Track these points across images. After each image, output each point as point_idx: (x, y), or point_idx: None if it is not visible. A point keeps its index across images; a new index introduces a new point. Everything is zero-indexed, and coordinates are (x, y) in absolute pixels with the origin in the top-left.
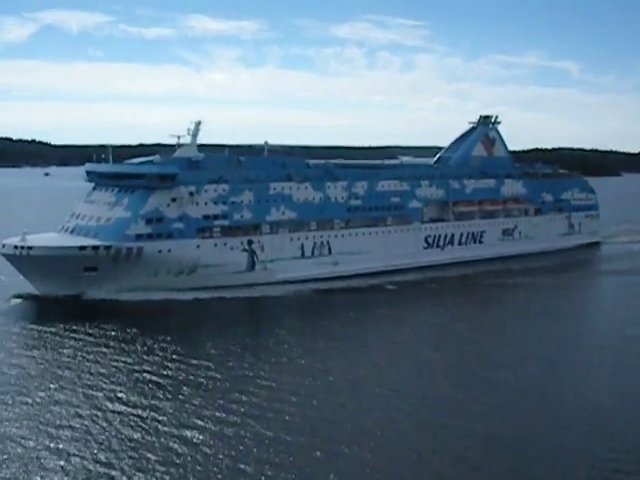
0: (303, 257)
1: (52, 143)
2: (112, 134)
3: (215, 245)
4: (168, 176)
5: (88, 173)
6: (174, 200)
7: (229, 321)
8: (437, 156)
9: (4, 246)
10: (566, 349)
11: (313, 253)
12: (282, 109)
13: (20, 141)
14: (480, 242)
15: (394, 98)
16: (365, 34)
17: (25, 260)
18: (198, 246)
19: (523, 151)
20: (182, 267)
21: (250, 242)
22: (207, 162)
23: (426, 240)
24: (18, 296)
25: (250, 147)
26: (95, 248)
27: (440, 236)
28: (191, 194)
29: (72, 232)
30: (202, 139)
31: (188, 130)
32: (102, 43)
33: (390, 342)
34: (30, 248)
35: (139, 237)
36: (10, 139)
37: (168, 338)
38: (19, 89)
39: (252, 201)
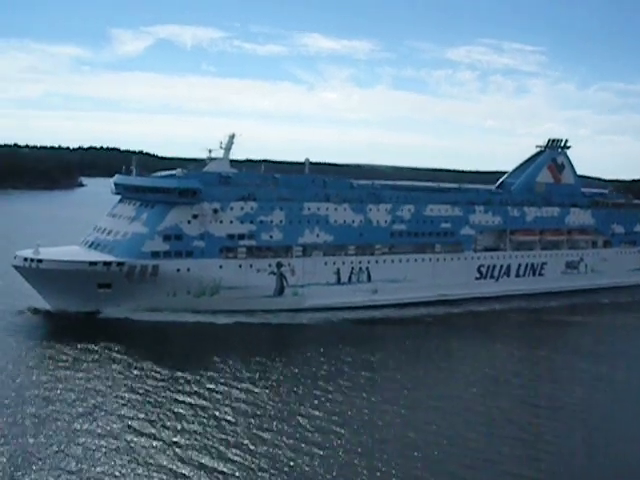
0: (339, 283)
1: (159, 155)
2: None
3: (240, 266)
4: (188, 191)
5: (115, 185)
6: (196, 217)
7: (246, 349)
8: (499, 181)
9: (15, 257)
10: None
11: (350, 279)
12: (391, 129)
13: (127, 152)
14: (540, 274)
15: (504, 123)
16: (479, 58)
17: (35, 273)
18: (221, 266)
19: (634, 180)
20: (203, 288)
21: (279, 265)
22: (238, 178)
23: (479, 270)
24: (30, 310)
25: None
26: (107, 264)
27: (495, 266)
28: (215, 211)
29: (90, 246)
30: (312, 157)
31: (220, 143)
32: (215, 58)
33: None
34: (40, 261)
35: (155, 254)
36: (118, 149)
37: (175, 367)
38: (132, 101)
39: (283, 221)
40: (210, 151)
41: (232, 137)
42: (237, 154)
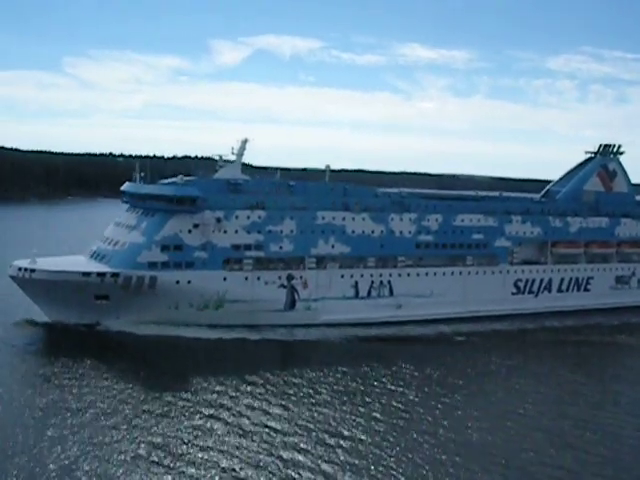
0: (357, 297)
1: (253, 164)
2: (315, 158)
3: (246, 278)
4: (186, 199)
5: (122, 193)
6: (197, 226)
7: (249, 367)
8: (545, 189)
9: (11, 267)
10: None
11: (370, 293)
12: (488, 139)
13: (225, 161)
14: (586, 290)
15: (603, 132)
16: (578, 66)
17: (28, 283)
18: (225, 279)
19: None
20: (206, 301)
21: (290, 277)
22: (247, 186)
23: (516, 284)
24: (28, 322)
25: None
26: (100, 275)
27: (534, 281)
28: (218, 220)
29: (92, 256)
30: (408, 167)
31: (232, 149)
32: (313, 68)
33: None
34: (32, 271)
35: (152, 265)
36: (213, 159)
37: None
38: (231, 110)
39: (294, 231)
40: (220, 157)
41: (245, 142)
42: (334, 164)
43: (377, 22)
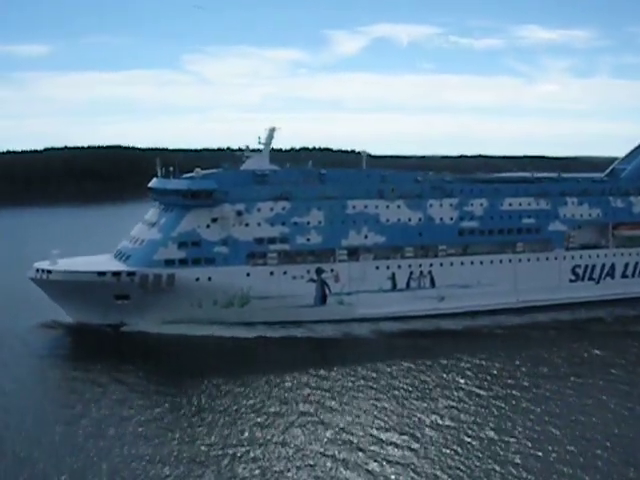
0: (394, 290)
1: (371, 153)
2: (432, 145)
3: (271, 273)
4: (202, 192)
5: (149, 189)
6: (215, 220)
7: (290, 365)
8: (610, 167)
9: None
10: None
11: (409, 285)
12: (611, 120)
13: (340, 151)
14: None
15: None
16: None
17: (47, 285)
18: (248, 274)
19: None
20: (230, 298)
21: (319, 270)
22: (275, 176)
23: (573, 271)
24: (53, 324)
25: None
26: (116, 274)
27: (595, 266)
28: (239, 213)
29: (116, 255)
30: (529, 151)
31: (259, 138)
32: (432, 55)
33: None
34: (49, 272)
35: (169, 263)
36: (330, 149)
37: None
38: (350, 100)
39: (322, 222)
40: (247, 147)
41: (272, 131)
42: (451, 150)
43: (493, 5)
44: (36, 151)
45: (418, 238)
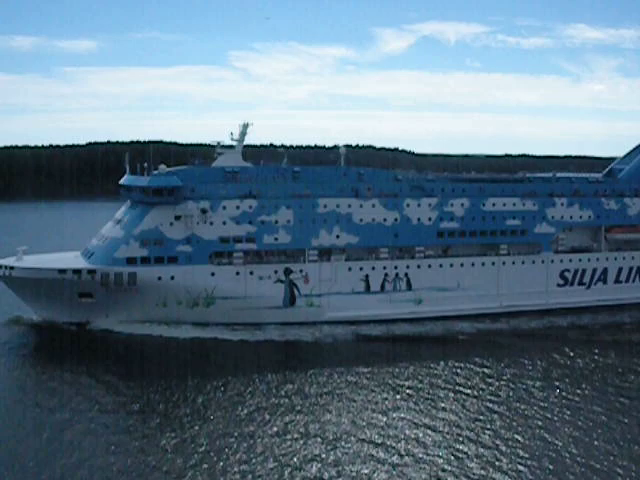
0: (368, 292)
1: (415, 151)
2: (477, 144)
3: (237, 273)
4: (163, 189)
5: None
6: (178, 218)
7: (250, 368)
8: (608, 168)
9: None
10: None
11: (383, 287)
12: None
13: (383, 149)
14: None
15: None
16: None
17: (10, 281)
18: (213, 274)
19: None
20: (195, 298)
21: (288, 271)
22: (247, 173)
23: (562, 275)
24: (18, 321)
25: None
26: (77, 272)
27: (585, 270)
28: (204, 211)
29: (84, 252)
30: (576, 151)
31: (231, 134)
32: (479, 53)
33: None
34: (12, 269)
35: (131, 261)
36: (373, 147)
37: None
38: (396, 98)
39: (292, 221)
40: (218, 143)
41: (246, 126)
42: (494, 149)
43: (541, 4)
44: (79, 145)
45: (394, 239)
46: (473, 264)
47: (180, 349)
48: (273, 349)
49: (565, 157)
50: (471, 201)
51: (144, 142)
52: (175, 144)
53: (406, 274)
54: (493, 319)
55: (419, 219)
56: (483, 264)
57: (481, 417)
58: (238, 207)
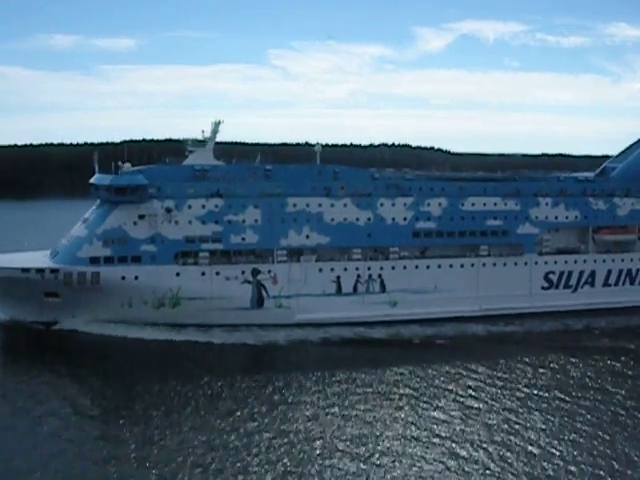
0: (340, 294)
1: (451, 151)
2: (514, 143)
3: (202, 274)
4: (126, 188)
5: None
6: (142, 217)
7: (216, 372)
8: (601, 167)
9: None
10: None
11: (356, 289)
12: None
13: (418, 148)
14: None
15: None
16: None
17: None
18: (178, 274)
19: None
20: (160, 299)
21: (256, 272)
22: (217, 172)
23: (547, 278)
24: None
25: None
26: (40, 271)
27: (571, 273)
28: (168, 210)
29: (51, 252)
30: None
31: (202, 132)
32: (518, 52)
33: None
34: None
35: (94, 260)
36: (409, 146)
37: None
38: (435, 97)
39: (259, 220)
40: (187, 140)
41: (217, 124)
42: (531, 149)
43: (581, 2)
44: (113, 143)
45: (367, 239)
46: (451, 265)
47: (143, 351)
48: (240, 352)
49: (603, 157)
50: (449, 200)
51: (178, 140)
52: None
53: (380, 275)
54: (474, 322)
55: (394, 219)
56: (462, 266)
57: (450, 425)
58: (204, 206)
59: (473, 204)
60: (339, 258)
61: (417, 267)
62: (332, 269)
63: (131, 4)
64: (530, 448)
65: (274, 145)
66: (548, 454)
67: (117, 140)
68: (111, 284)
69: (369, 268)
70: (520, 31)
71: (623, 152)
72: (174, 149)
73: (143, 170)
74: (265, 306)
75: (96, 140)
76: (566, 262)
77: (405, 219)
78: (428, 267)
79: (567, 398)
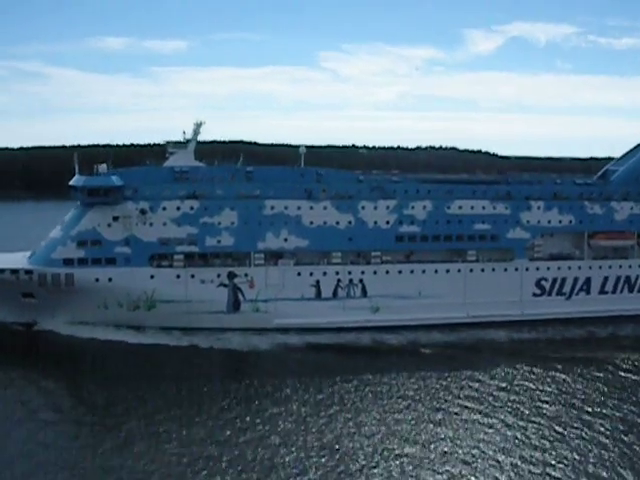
0: (319, 298)
1: (498, 154)
2: (563, 147)
3: (177, 276)
4: (99, 189)
5: None
6: (117, 219)
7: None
8: (602, 170)
9: None
10: None
11: (336, 294)
12: None
13: (466, 151)
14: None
15: None
16: None
17: None
18: (152, 276)
19: None
20: (135, 301)
21: (232, 275)
22: (197, 173)
23: (539, 284)
24: None
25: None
26: (14, 272)
27: (565, 279)
28: (143, 212)
29: (31, 253)
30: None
31: (184, 133)
32: (569, 55)
33: None
34: None
35: (68, 262)
36: (456, 149)
37: None
38: (485, 100)
39: (236, 223)
40: (169, 142)
41: (199, 126)
42: (586, 152)
43: (633, 4)
44: (158, 145)
45: (347, 243)
46: (436, 271)
47: (115, 353)
48: (215, 357)
49: None
50: (434, 203)
51: (224, 142)
52: (255, 144)
53: (361, 280)
54: (460, 330)
55: (376, 222)
56: (448, 271)
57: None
58: (179, 208)
59: (460, 207)
60: (318, 262)
61: (400, 272)
62: (311, 273)
63: (182, 6)
64: None
65: (320, 147)
66: None
67: (161, 142)
68: (85, 286)
69: (350, 272)
70: (572, 33)
71: (625, 155)
72: (218, 150)
73: (121, 172)
74: (242, 310)
75: (143, 142)
76: (559, 268)
77: (388, 222)
78: (412, 272)
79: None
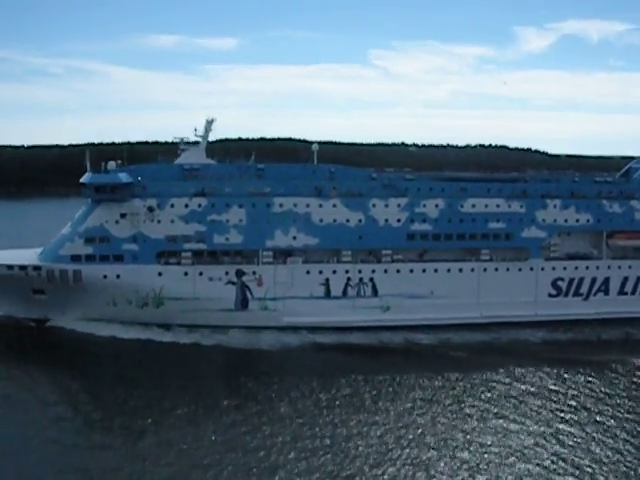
0: (328, 297)
1: (548, 152)
2: (615, 145)
3: (185, 274)
4: (107, 186)
5: None
6: (124, 216)
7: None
8: (625, 167)
9: None
10: None
11: (346, 293)
12: None
13: (516, 149)
14: None
15: None
16: None
17: None
18: (160, 274)
19: None
20: (143, 298)
21: (240, 273)
22: (207, 171)
23: (555, 284)
24: None
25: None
26: (23, 268)
27: (583, 280)
28: (150, 209)
29: (42, 249)
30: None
31: (195, 130)
32: (622, 52)
33: None
34: None
35: (76, 258)
36: (506, 147)
37: None
38: (537, 98)
39: (244, 220)
40: (182, 140)
41: (210, 123)
42: (631, 150)
43: None
44: (208, 142)
45: (358, 241)
46: (449, 270)
47: (124, 350)
48: (222, 355)
49: None
50: (447, 202)
51: (270, 139)
52: (301, 141)
53: (371, 279)
54: (473, 330)
55: (386, 220)
56: (461, 270)
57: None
58: (187, 205)
59: (474, 205)
60: (328, 260)
61: (412, 271)
62: (320, 271)
63: (232, 4)
64: None
65: (371, 145)
66: None
67: (211, 139)
68: (93, 282)
69: (360, 271)
70: (625, 30)
71: None
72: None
73: (130, 169)
74: (250, 308)
75: (192, 139)
76: (576, 268)
77: (399, 220)
78: (424, 271)
79: None
